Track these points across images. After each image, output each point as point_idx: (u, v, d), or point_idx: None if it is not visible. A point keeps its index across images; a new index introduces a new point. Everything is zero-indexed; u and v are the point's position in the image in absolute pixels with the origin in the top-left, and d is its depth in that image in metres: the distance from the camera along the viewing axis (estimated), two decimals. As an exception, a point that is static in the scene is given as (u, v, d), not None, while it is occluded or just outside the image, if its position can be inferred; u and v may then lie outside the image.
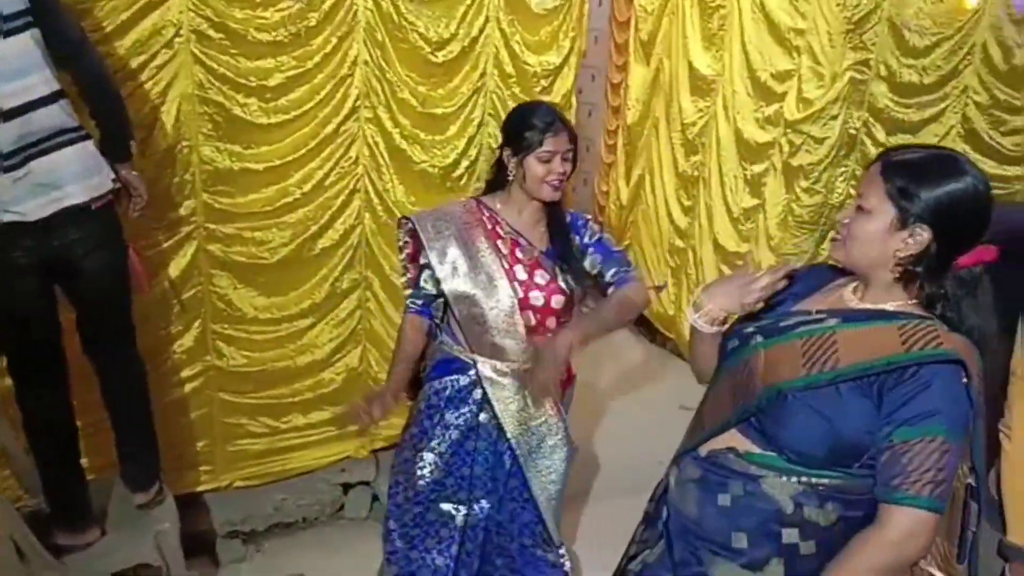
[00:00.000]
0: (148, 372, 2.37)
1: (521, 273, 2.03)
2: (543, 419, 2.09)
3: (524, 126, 1.99)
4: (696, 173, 4.17)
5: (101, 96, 2.06)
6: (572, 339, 1.89)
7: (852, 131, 3.57)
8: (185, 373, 2.68)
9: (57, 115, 1.94)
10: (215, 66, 2.42)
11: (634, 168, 4.67)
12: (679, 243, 4.34)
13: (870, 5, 3.38)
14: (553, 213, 2.07)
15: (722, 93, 3.92)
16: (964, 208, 1.29)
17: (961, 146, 3.86)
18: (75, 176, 1.98)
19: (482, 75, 2.82)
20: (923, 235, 1.29)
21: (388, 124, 2.72)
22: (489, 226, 2.05)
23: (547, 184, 1.98)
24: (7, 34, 1.82)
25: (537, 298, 2.02)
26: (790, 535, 1.32)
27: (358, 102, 2.66)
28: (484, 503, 2.10)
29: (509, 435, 2.06)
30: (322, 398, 2.92)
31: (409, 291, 2.11)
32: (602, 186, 5.12)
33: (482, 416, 2.06)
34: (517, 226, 2.06)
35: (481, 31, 2.76)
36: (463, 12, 2.70)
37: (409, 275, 2.11)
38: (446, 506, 2.10)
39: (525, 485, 2.10)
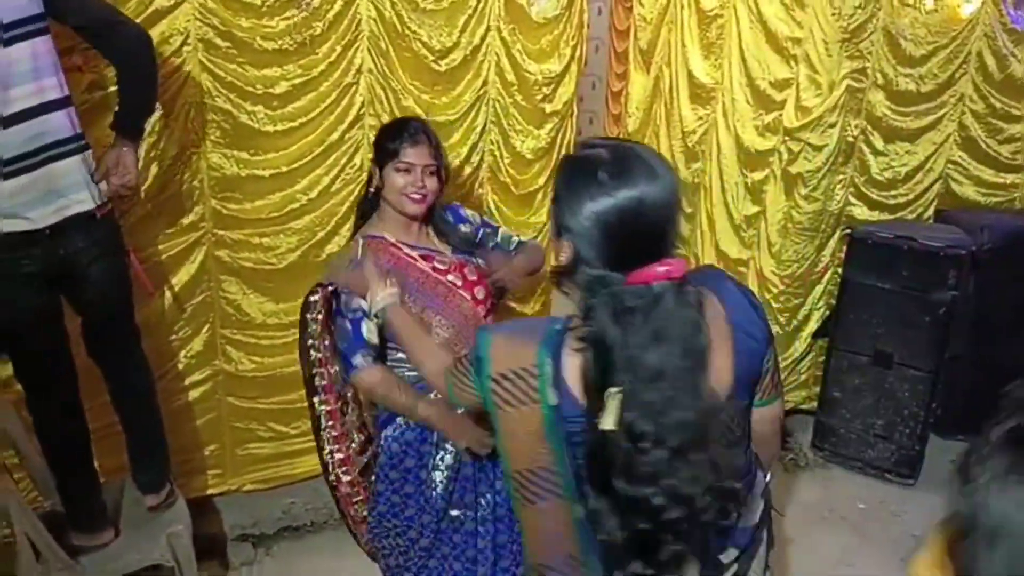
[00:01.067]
0: (157, 377, 2.41)
1: (456, 280, 2.03)
2: None
3: (385, 137, 2.00)
4: (697, 180, 4.20)
5: (131, 72, 2.06)
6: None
7: (850, 139, 3.61)
8: (194, 378, 2.72)
9: (61, 123, 1.95)
10: (222, 74, 2.47)
11: (635, 176, 4.71)
12: (681, 251, 4.36)
13: (866, 14, 3.42)
14: (435, 223, 2.08)
15: (721, 101, 3.96)
16: (606, 228, 1.16)
17: (959, 154, 3.91)
18: (81, 184, 2.00)
19: (484, 83, 2.87)
20: (569, 249, 1.21)
21: (393, 131, 2.76)
22: (400, 255, 2.00)
23: (406, 196, 1.95)
24: (7, 43, 1.83)
25: (480, 292, 2.06)
26: None
27: (363, 110, 2.70)
28: (488, 497, 2.12)
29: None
30: (328, 402, 2.95)
31: (355, 353, 1.91)
32: (603, 194, 5.16)
33: (448, 458, 2.03)
34: (413, 243, 2.03)
35: (483, 40, 2.81)
36: (465, 21, 2.75)
37: (343, 334, 1.92)
38: (455, 512, 2.09)
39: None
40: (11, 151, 1.89)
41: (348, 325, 1.90)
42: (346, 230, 2.80)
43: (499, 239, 2.23)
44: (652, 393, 1.12)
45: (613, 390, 1.13)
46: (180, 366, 2.68)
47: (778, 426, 1.48)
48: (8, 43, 1.84)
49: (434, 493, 2.05)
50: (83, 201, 2.01)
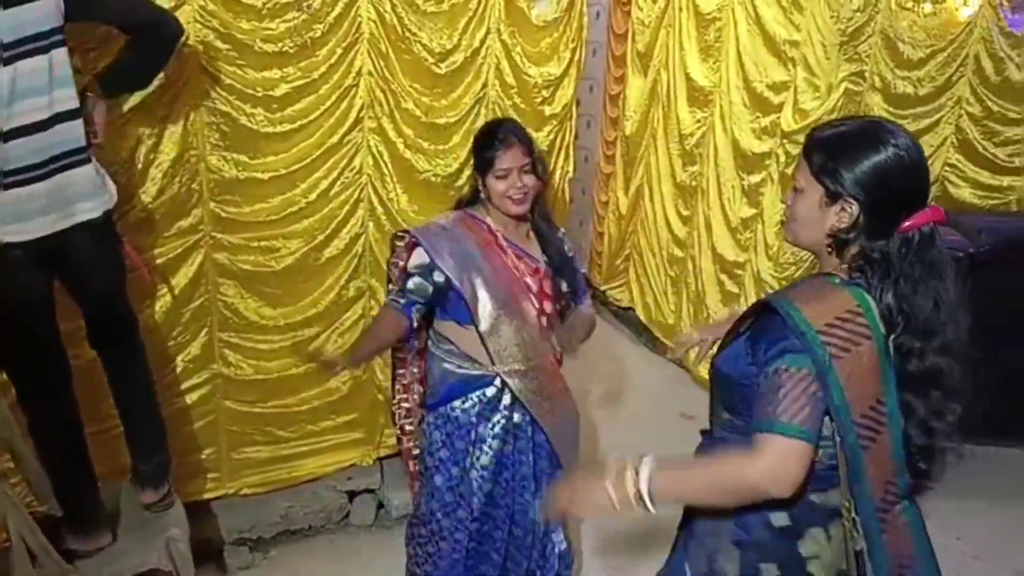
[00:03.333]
0: (155, 380, 2.39)
1: (533, 285, 2.14)
2: (568, 407, 2.26)
3: (480, 147, 2.12)
4: (694, 183, 4.21)
5: (148, 51, 2.08)
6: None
7: (848, 141, 3.63)
8: (192, 381, 2.70)
9: (62, 136, 1.92)
10: (222, 76, 2.46)
11: (632, 178, 4.72)
12: (678, 253, 4.38)
13: (864, 17, 3.43)
14: (537, 225, 2.19)
15: (719, 104, 3.97)
16: (888, 177, 1.30)
17: (956, 156, 3.92)
18: (86, 195, 1.99)
19: (484, 86, 2.86)
20: (852, 209, 1.32)
21: (392, 134, 2.76)
22: (498, 244, 2.14)
23: (509, 199, 2.08)
24: (7, 61, 1.81)
25: (549, 308, 2.16)
26: None
27: (362, 112, 2.70)
28: (527, 499, 2.21)
29: (544, 426, 2.16)
30: (327, 406, 2.94)
31: (393, 290, 2.17)
32: (601, 196, 5.17)
33: (515, 417, 2.17)
34: (513, 239, 2.16)
35: (483, 42, 2.81)
36: (465, 23, 2.75)
37: (394, 276, 2.19)
38: (496, 512, 2.21)
39: (557, 468, 2.21)
40: (10, 164, 1.86)
41: (400, 275, 2.14)
42: (346, 232, 2.80)
43: (576, 284, 2.27)
44: (930, 332, 1.32)
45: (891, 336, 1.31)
46: (178, 370, 2.66)
47: None
48: (7, 62, 1.81)
49: (476, 489, 2.17)
50: (90, 210, 1.99)
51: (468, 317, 2.10)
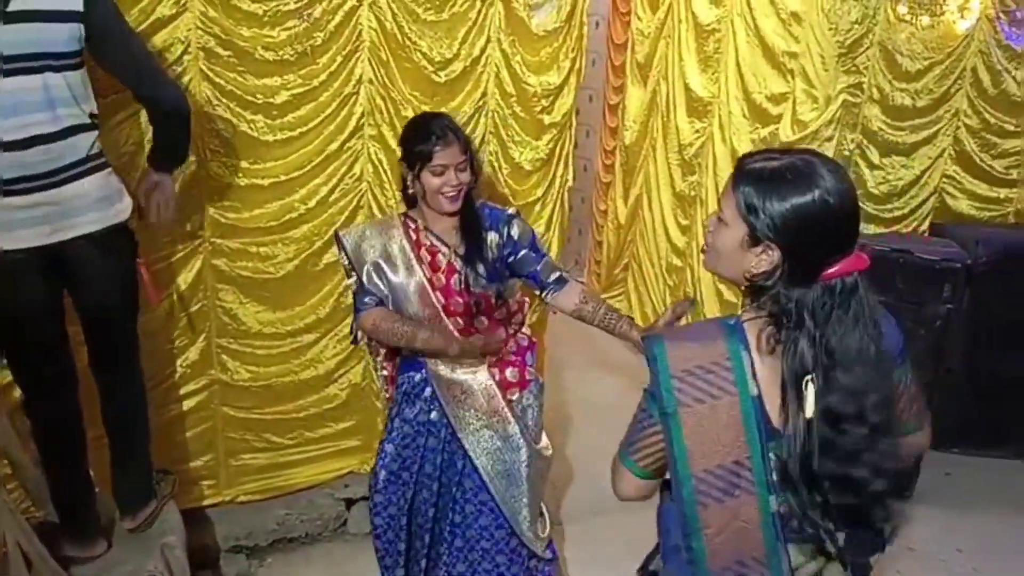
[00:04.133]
0: (152, 387, 2.38)
1: (441, 280, 2.12)
2: (496, 418, 2.17)
3: (415, 140, 2.06)
4: (693, 193, 4.22)
5: (166, 124, 2.12)
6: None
7: (846, 153, 3.63)
8: (190, 387, 2.70)
9: (66, 149, 1.92)
10: (223, 83, 2.46)
11: (632, 188, 4.73)
12: (677, 262, 4.39)
13: (862, 29, 3.45)
14: (464, 216, 2.14)
15: (718, 114, 3.99)
16: (814, 223, 1.20)
17: (953, 168, 3.94)
18: (91, 206, 1.98)
19: (484, 94, 2.87)
20: (772, 254, 1.23)
21: (392, 142, 2.75)
22: (413, 237, 2.13)
23: (442, 196, 2.04)
24: (7, 74, 1.81)
25: (457, 304, 2.12)
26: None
27: (362, 120, 2.70)
28: (429, 506, 2.18)
29: (459, 433, 2.14)
30: (326, 413, 2.94)
31: (358, 296, 2.17)
32: (600, 205, 5.18)
33: (432, 414, 2.16)
34: (439, 234, 2.14)
35: (483, 51, 2.81)
36: (465, 32, 2.76)
37: (352, 279, 2.20)
38: (399, 501, 2.20)
39: (483, 487, 2.15)
40: (11, 172, 1.86)
41: (355, 274, 2.15)
42: (344, 240, 2.80)
43: (539, 267, 2.20)
44: (850, 377, 1.20)
45: (808, 378, 1.20)
46: (175, 376, 2.66)
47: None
48: (7, 74, 1.81)
49: (382, 463, 2.21)
50: (91, 222, 1.98)
51: None
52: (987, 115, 3.86)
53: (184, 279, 2.59)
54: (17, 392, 2.17)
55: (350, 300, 2.84)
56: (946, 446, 3.47)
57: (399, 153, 2.75)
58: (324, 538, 2.96)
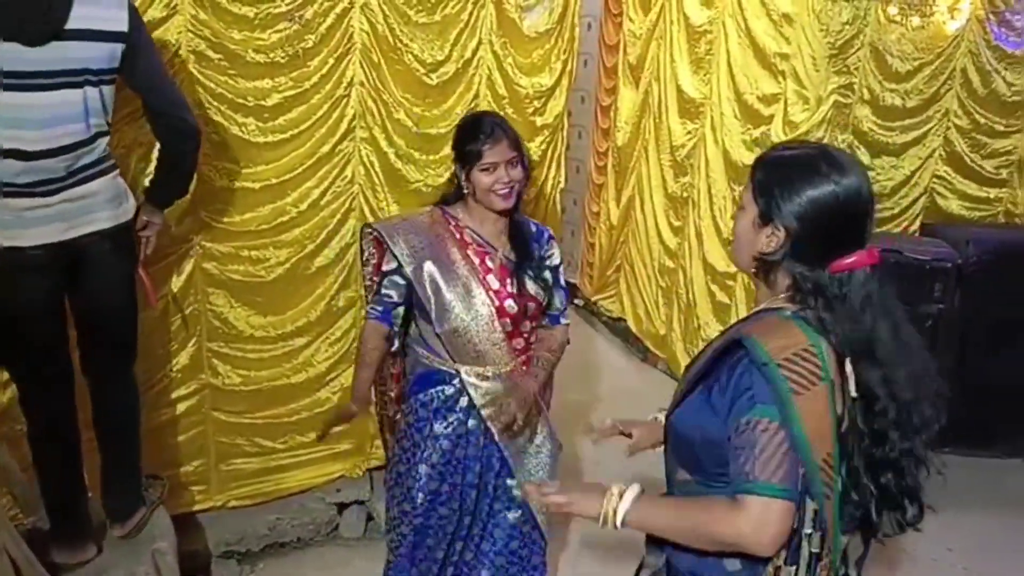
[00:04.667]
0: (142, 391, 2.36)
1: (493, 282, 2.09)
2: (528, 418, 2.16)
3: (465, 140, 2.06)
4: (685, 194, 4.23)
5: (174, 163, 2.17)
6: (534, 388, 2.10)
7: (837, 153, 3.65)
8: (180, 392, 2.68)
9: (87, 153, 1.95)
10: (213, 86, 2.45)
11: (624, 189, 4.73)
12: (669, 263, 4.39)
13: (853, 30, 3.46)
14: (514, 222, 2.14)
15: (710, 115, 3.99)
16: (823, 214, 1.26)
17: (943, 168, 3.95)
18: (103, 204, 2.01)
19: (475, 96, 2.86)
20: (779, 234, 1.29)
21: (383, 144, 2.75)
22: (457, 236, 2.10)
23: (494, 194, 2.03)
24: (52, 88, 1.84)
25: (511, 306, 2.09)
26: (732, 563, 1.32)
27: (354, 122, 2.69)
28: (469, 513, 2.17)
29: (498, 437, 2.12)
30: (317, 417, 2.90)
31: (370, 298, 2.15)
32: (592, 207, 5.18)
33: (470, 423, 2.14)
34: (484, 236, 2.12)
35: (474, 53, 2.81)
36: (457, 34, 2.75)
37: (368, 281, 2.18)
38: (445, 511, 2.17)
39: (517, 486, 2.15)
40: (10, 177, 1.86)
41: (375, 278, 2.14)
42: (336, 242, 2.79)
43: (553, 300, 2.20)
44: (875, 361, 1.26)
45: (847, 359, 1.26)
46: (166, 380, 2.64)
47: None
48: (7, 88, 1.81)
49: (418, 485, 2.13)
50: (101, 220, 2.00)
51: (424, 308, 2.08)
52: (977, 115, 3.88)
53: (175, 283, 2.57)
54: (4, 397, 2.15)
55: (341, 303, 2.86)
56: (937, 446, 3.48)
57: (391, 156, 2.77)
58: (316, 543, 2.95)
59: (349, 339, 2.89)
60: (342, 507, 2.99)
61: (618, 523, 1.32)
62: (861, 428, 1.28)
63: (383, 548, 2.32)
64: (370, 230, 2.17)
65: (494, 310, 2.06)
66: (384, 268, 2.10)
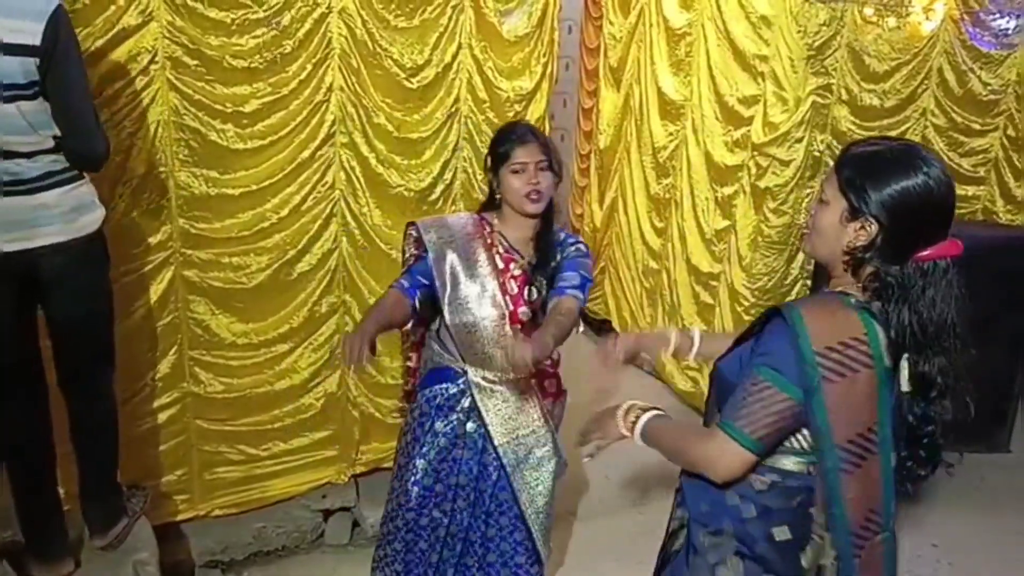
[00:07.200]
0: (123, 401, 2.34)
1: (512, 288, 2.11)
2: (531, 430, 2.17)
3: (496, 143, 2.12)
4: (668, 195, 4.24)
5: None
6: (549, 344, 1.91)
7: (816, 153, 3.66)
8: (162, 400, 2.65)
9: (30, 168, 1.91)
10: (191, 92, 2.44)
11: (607, 191, 4.74)
12: (653, 265, 4.40)
13: (830, 32, 3.49)
14: (543, 231, 2.15)
15: (691, 117, 4.01)
16: (914, 205, 1.31)
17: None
18: (57, 217, 1.96)
19: (456, 100, 2.86)
20: (871, 228, 1.33)
21: (364, 149, 2.75)
22: (488, 240, 2.13)
23: (525, 197, 2.06)
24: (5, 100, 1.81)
25: (525, 313, 2.11)
26: (732, 497, 1.43)
27: (334, 127, 2.68)
28: (465, 515, 2.16)
29: (496, 444, 2.12)
30: (301, 424, 2.90)
31: (402, 275, 2.15)
32: (576, 209, 5.19)
33: (469, 425, 2.14)
34: (513, 242, 2.15)
35: (454, 57, 2.81)
36: (436, 39, 2.75)
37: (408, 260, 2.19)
38: (437, 513, 2.16)
39: (515, 499, 2.15)
40: None
41: (412, 259, 2.17)
42: (318, 248, 2.78)
43: (568, 280, 2.12)
44: (941, 349, 1.34)
45: (904, 356, 1.34)
46: (147, 389, 2.62)
47: None
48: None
49: (414, 479, 2.14)
50: (53, 234, 1.96)
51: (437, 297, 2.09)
52: (954, 114, 3.91)
53: (155, 291, 2.55)
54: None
55: (324, 309, 2.85)
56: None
57: (372, 160, 2.76)
58: (302, 550, 2.93)
59: (332, 344, 2.87)
60: (327, 514, 2.98)
61: (637, 435, 1.50)
62: (906, 416, 1.37)
63: (369, 555, 2.31)
64: (412, 229, 2.20)
65: (507, 313, 2.08)
66: (420, 253, 2.15)
